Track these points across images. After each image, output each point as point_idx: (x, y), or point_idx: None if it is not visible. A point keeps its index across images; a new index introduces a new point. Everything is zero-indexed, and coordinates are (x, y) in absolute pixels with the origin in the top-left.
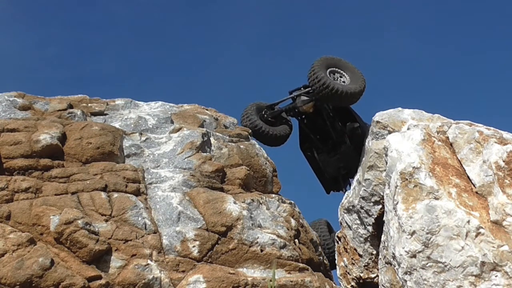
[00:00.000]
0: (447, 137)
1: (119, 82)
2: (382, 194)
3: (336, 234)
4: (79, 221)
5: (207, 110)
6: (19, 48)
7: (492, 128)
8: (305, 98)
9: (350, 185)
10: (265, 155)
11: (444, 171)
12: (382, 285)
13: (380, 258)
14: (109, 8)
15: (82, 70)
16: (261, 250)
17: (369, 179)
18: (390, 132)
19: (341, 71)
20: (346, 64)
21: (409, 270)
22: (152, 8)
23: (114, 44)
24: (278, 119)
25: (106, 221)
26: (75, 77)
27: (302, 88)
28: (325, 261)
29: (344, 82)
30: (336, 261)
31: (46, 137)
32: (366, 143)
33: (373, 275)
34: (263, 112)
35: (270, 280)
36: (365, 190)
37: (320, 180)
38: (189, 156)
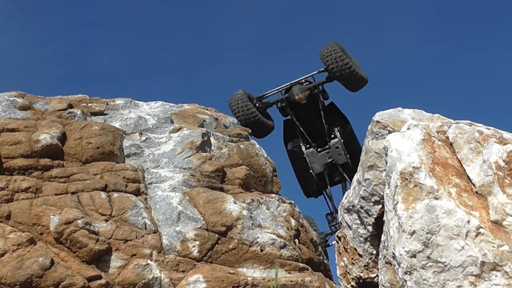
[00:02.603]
0: (447, 137)
1: (119, 81)
2: (382, 194)
3: (336, 234)
4: (79, 221)
5: (207, 110)
6: (18, 46)
7: (492, 128)
8: (301, 86)
9: (329, 197)
10: (265, 155)
11: (444, 171)
12: (382, 285)
13: (380, 258)
14: (109, 6)
15: (82, 69)
16: (261, 250)
17: (369, 179)
18: (390, 132)
19: (352, 59)
20: (350, 55)
21: (409, 270)
22: (152, 7)
23: (113, 43)
24: (265, 112)
25: (106, 221)
26: (75, 76)
27: (294, 83)
28: (325, 261)
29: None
30: (336, 261)
31: (46, 137)
32: (366, 143)
33: (373, 275)
34: (255, 102)
35: (269, 280)
36: (365, 190)
37: (301, 182)
38: (189, 156)
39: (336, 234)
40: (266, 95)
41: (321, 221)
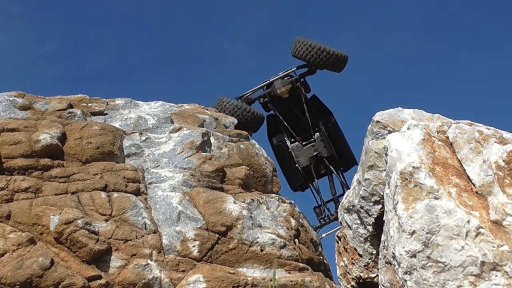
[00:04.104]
0: (447, 137)
1: (119, 80)
2: (382, 194)
3: (336, 234)
4: (79, 221)
5: (207, 110)
6: (17, 44)
7: (492, 128)
8: (283, 80)
9: (316, 190)
10: (265, 155)
11: (444, 171)
12: (382, 285)
13: (380, 258)
14: (109, 5)
15: (82, 67)
16: (261, 250)
17: (369, 179)
18: (390, 132)
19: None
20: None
21: (409, 270)
22: (152, 6)
23: (113, 42)
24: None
25: (106, 221)
26: (75, 75)
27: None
28: (325, 261)
29: None
30: (336, 261)
31: (46, 137)
32: (366, 143)
33: (373, 275)
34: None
35: (270, 280)
36: (365, 190)
37: (287, 176)
38: (189, 156)
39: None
40: (246, 94)
41: (310, 215)
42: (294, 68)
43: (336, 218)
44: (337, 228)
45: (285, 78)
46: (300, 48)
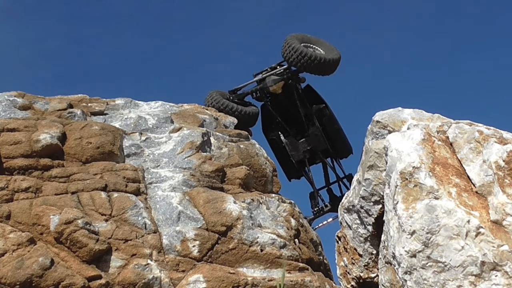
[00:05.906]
0: (447, 137)
1: (119, 79)
2: (382, 193)
3: (336, 234)
4: (79, 221)
5: (207, 109)
6: (17, 42)
7: (492, 127)
8: (275, 77)
9: (310, 181)
10: (265, 154)
11: (444, 171)
12: (382, 284)
13: (380, 258)
14: (109, 3)
15: (82, 66)
16: (261, 250)
17: (369, 178)
18: (390, 132)
19: (314, 46)
20: (317, 39)
21: (409, 270)
22: (152, 5)
23: (113, 40)
24: (242, 102)
25: (106, 220)
26: (74, 73)
27: (268, 69)
28: (325, 261)
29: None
30: (336, 261)
31: (46, 136)
32: (366, 143)
33: (373, 275)
34: (228, 96)
35: (269, 280)
36: (365, 189)
37: (283, 167)
38: (189, 156)
39: (336, 233)
40: (240, 88)
41: (306, 206)
42: (285, 66)
43: (330, 210)
44: (330, 219)
45: (278, 72)
46: (285, 50)
